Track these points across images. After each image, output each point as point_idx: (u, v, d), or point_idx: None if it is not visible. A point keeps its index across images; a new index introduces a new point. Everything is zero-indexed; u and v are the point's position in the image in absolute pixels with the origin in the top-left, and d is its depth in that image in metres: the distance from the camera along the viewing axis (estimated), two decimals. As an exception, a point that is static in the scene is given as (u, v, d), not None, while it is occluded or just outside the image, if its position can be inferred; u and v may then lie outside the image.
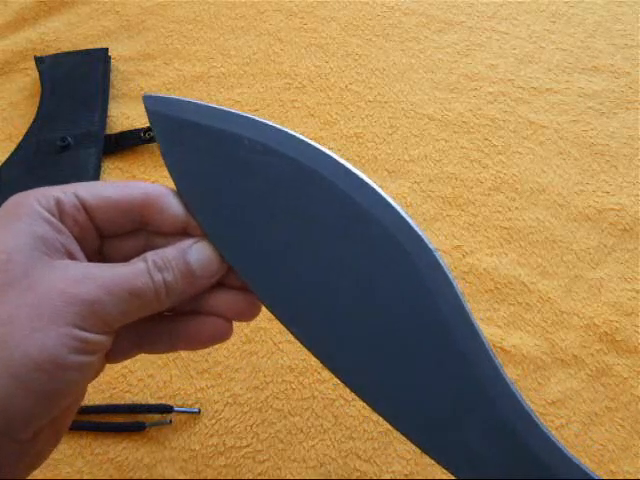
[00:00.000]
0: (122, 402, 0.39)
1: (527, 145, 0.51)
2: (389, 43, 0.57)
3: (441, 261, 0.24)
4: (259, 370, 0.40)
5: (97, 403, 0.39)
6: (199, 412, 0.39)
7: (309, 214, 0.24)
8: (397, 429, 0.24)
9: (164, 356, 0.41)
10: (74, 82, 0.54)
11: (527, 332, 0.42)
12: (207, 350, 0.41)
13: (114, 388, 0.40)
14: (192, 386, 0.40)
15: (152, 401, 0.39)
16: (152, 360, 0.41)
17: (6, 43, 0.58)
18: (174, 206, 0.24)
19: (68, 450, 0.38)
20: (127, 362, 0.41)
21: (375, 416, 0.39)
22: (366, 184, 0.24)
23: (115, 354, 0.24)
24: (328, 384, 0.40)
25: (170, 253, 0.23)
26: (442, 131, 0.51)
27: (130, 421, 0.38)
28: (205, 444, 0.38)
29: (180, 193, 0.24)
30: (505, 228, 0.46)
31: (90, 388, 0.40)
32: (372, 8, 0.60)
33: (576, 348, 0.41)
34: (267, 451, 0.38)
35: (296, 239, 0.24)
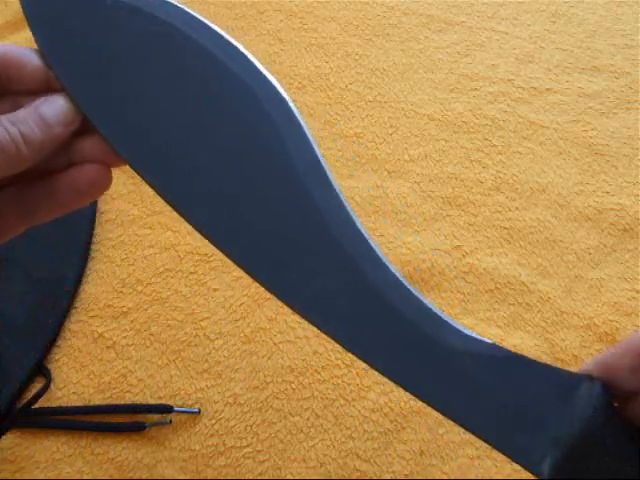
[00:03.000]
0: (122, 402, 0.39)
1: (527, 145, 0.51)
2: (389, 43, 0.57)
3: (295, 111, 0.25)
4: (259, 370, 0.40)
5: (97, 403, 0.39)
6: (199, 412, 0.39)
7: (167, 68, 0.25)
8: (255, 277, 0.24)
9: (164, 356, 0.41)
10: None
11: (527, 332, 0.42)
12: (207, 350, 0.41)
13: (114, 388, 0.40)
14: (192, 386, 0.40)
15: (152, 401, 0.39)
16: (152, 360, 0.41)
17: (6, 43, 0.58)
18: (33, 62, 0.24)
19: (68, 450, 0.38)
20: (127, 362, 0.41)
21: (375, 416, 0.39)
22: (224, 39, 0.26)
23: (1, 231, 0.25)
24: (328, 384, 0.40)
25: (24, 109, 0.24)
26: (442, 131, 0.51)
27: (130, 421, 0.38)
28: (205, 444, 0.38)
29: (39, 48, 0.25)
30: (505, 228, 0.46)
31: (90, 388, 0.40)
32: (372, 8, 0.60)
33: (576, 348, 0.41)
34: (267, 451, 0.38)
35: (153, 92, 0.25)
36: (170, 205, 0.24)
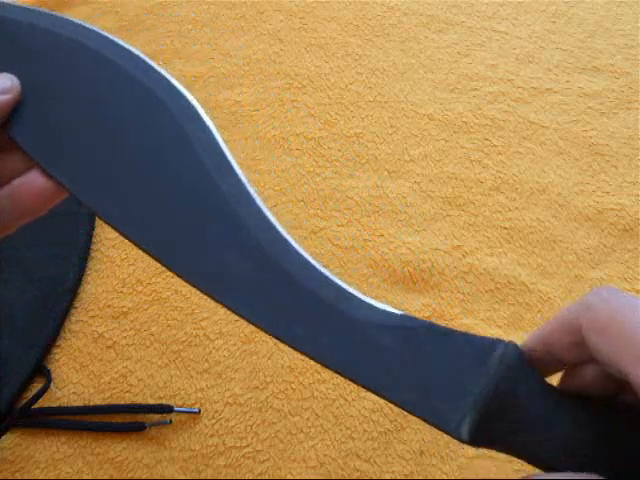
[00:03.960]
0: (122, 402, 0.39)
1: (527, 145, 0.51)
2: (389, 43, 0.57)
3: (195, 103, 0.27)
4: (259, 370, 0.40)
5: (97, 403, 0.39)
6: (199, 412, 0.39)
7: (63, 74, 0.26)
8: (154, 255, 0.25)
9: (164, 356, 0.41)
10: (74, 82, 0.54)
11: (527, 332, 0.42)
12: (207, 350, 0.41)
13: (114, 388, 0.40)
14: (192, 386, 0.40)
15: (152, 401, 0.39)
16: (152, 360, 0.41)
17: None
18: None
19: (68, 450, 0.38)
20: (127, 362, 0.41)
21: (375, 416, 0.39)
22: (115, 43, 0.26)
23: None
24: (328, 384, 0.40)
25: None
26: (442, 131, 0.51)
27: (130, 421, 0.38)
28: (205, 444, 0.38)
29: None
30: (505, 228, 0.46)
31: (90, 388, 0.40)
32: (372, 8, 0.60)
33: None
34: (267, 451, 0.38)
35: (51, 93, 0.26)
36: (85, 204, 0.26)
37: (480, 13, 0.60)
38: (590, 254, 0.45)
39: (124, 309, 0.43)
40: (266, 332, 0.24)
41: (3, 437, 0.38)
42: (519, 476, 0.37)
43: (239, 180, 0.26)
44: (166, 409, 0.38)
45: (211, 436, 0.38)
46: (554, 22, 0.59)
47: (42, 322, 0.42)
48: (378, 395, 0.23)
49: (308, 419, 0.39)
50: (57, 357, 0.41)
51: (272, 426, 0.39)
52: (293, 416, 0.39)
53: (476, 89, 0.54)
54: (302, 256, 0.25)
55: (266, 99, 0.54)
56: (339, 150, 0.51)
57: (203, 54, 0.57)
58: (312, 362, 0.43)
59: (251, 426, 0.39)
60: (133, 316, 0.43)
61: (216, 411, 0.39)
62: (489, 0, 0.61)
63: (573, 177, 0.49)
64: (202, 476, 0.37)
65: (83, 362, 0.41)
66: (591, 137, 0.51)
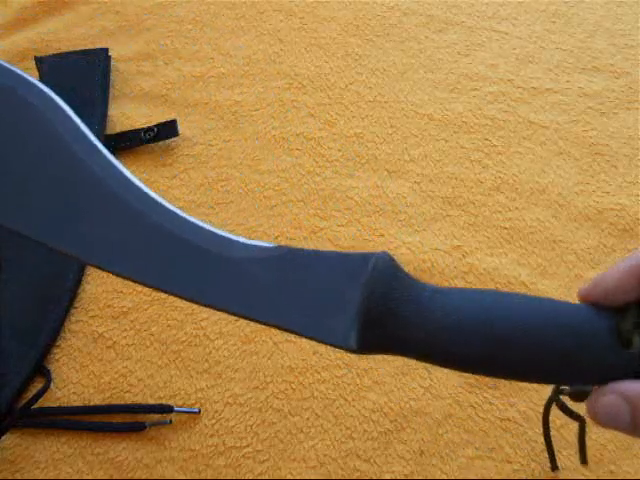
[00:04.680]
0: (122, 402, 0.39)
1: (527, 145, 0.51)
2: (389, 43, 0.57)
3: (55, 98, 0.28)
4: (259, 370, 0.40)
5: (97, 403, 0.39)
6: (199, 412, 0.39)
7: None
8: (51, 244, 0.26)
9: (164, 356, 0.41)
10: (74, 82, 0.54)
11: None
12: (207, 350, 0.41)
13: (114, 388, 0.40)
14: (192, 386, 0.40)
15: (152, 401, 0.39)
16: (152, 360, 0.41)
17: (6, 43, 0.57)
18: None
19: (68, 450, 0.38)
20: (127, 362, 0.41)
21: (375, 416, 0.39)
22: None
23: None
24: (328, 384, 0.40)
25: None
26: (442, 131, 0.51)
27: (130, 421, 0.38)
28: (205, 444, 0.38)
29: None
30: (505, 228, 0.46)
31: (90, 388, 0.40)
32: (372, 8, 0.60)
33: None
34: (267, 451, 0.38)
35: None
36: None
37: (480, 13, 0.60)
38: (590, 254, 0.45)
39: (124, 309, 0.43)
40: (154, 288, 0.25)
41: (3, 437, 0.38)
42: (519, 476, 0.37)
43: (105, 157, 0.27)
44: (166, 409, 0.38)
45: (211, 436, 0.38)
46: (554, 22, 0.59)
47: (42, 322, 0.42)
48: (265, 324, 0.24)
49: (308, 419, 0.39)
50: (57, 357, 0.41)
51: (272, 426, 0.39)
52: (293, 416, 0.39)
53: (476, 89, 0.54)
54: (176, 212, 0.26)
55: (266, 99, 0.54)
56: (339, 150, 0.51)
57: (203, 54, 0.57)
58: (312, 362, 0.43)
59: (251, 426, 0.39)
60: (133, 316, 0.43)
61: (216, 411, 0.39)
62: (489, 0, 0.60)
63: (573, 177, 0.49)
64: (202, 476, 0.37)
65: (83, 362, 0.41)
66: (591, 137, 0.51)
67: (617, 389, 0.22)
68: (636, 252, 0.24)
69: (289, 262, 0.25)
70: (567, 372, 0.23)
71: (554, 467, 0.36)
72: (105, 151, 0.27)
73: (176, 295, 0.25)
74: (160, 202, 0.26)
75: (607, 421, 0.23)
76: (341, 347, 0.24)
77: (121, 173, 0.27)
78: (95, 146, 0.27)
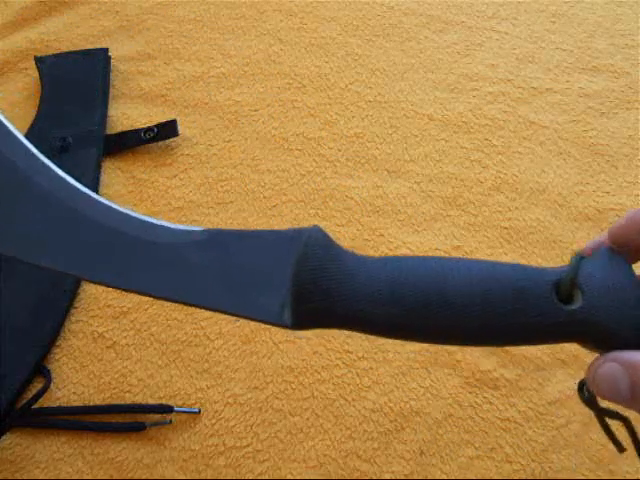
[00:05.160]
0: (122, 402, 0.39)
1: (527, 145, 0.51)
2: (389, 43, 0.57)
3: None
4: (259, 370, 0.40)
5: (97, 403, 0.39)
6: (199, 412, 0.39)
7: None
8: None
9: (164, 356, 0.41)
10: (74, 82, 0.54)
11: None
12: (207, 350, 0.41)
13: (114, 388, 0.40)
14: (192, 386, 0.40)
15: (152, 401, 0.39)
16: (152, 360, 0.41)
17: (6, 43, 0.58)
18: None
19: (68, 450, 0.38)
20: (127, 362, 0.41)
21: (375, 416, 0.39)
22: None
23: None
24: (328, 384, 0.40)
25: None
26: (442, 131, 0.51)
27: (130, 421, 0.38)
28: (205, 444, 0.38)
29: None
30: (505, 228, 0.46)
31: (90, 388, 0.40)
32: (372, 8, 0.60)
33: (576, 348, 0.41)
34: (267, 451, 0.38)
35: None
36: None
37: (480, 13, 0.60)
38: (590, 254, 0.45)
39: (124, 309, 0.43)
40: (78, 277, 0.25)
41: (3, 437, 0.38)
42: (519, 476, 0.37)
43: (25, 147, 0.27)
44: (166, 409, 0.38)
45: (211, 436, 0.38)
46: (554, 22, 0.59)
47: (42, 322, 0.42)
48: (202, 308, 0.24)
49: (308, 419, 0.39)
50: (57, 357, 0.41)
51: (272, 426, 0.39)
52: (293, 416, 0.39)
53: (476, 89, 0.54)
54: (100, 201, 0.26)
55: (266, 99, 0.54)
56: (339, 150, 0.51)
57: (203, 54, 0.57)
58: (312, 362, 0.43)
59: (251, 426, 0.39)
60: (133, 316, 0.43)
61: (216, 411, 0.39)
62: (489, 0, 0.61)
63: (573, 177, 0.49)
64: (202, 476, 0.37)
65: (83, 362, 0.41)
66: (591, 137, 0.51)
67: (616, 357, 0.22)
68: None
69: (219, 244, 0.25)
70: (507, 331, 0.23)
71: (621, 449, 0.33)
72: (26, 142, 0.27)
73: (101, 283, 0.25)
74: (84, 191, 0.26)
75: (606, 391, 0.22)
76: (276, 324, 0.23)
77: (44, 164, 0.26)
78: (17, 139, 0.27)
